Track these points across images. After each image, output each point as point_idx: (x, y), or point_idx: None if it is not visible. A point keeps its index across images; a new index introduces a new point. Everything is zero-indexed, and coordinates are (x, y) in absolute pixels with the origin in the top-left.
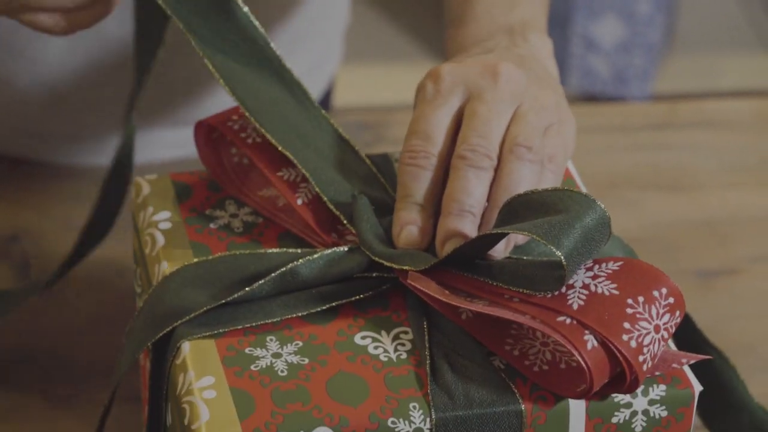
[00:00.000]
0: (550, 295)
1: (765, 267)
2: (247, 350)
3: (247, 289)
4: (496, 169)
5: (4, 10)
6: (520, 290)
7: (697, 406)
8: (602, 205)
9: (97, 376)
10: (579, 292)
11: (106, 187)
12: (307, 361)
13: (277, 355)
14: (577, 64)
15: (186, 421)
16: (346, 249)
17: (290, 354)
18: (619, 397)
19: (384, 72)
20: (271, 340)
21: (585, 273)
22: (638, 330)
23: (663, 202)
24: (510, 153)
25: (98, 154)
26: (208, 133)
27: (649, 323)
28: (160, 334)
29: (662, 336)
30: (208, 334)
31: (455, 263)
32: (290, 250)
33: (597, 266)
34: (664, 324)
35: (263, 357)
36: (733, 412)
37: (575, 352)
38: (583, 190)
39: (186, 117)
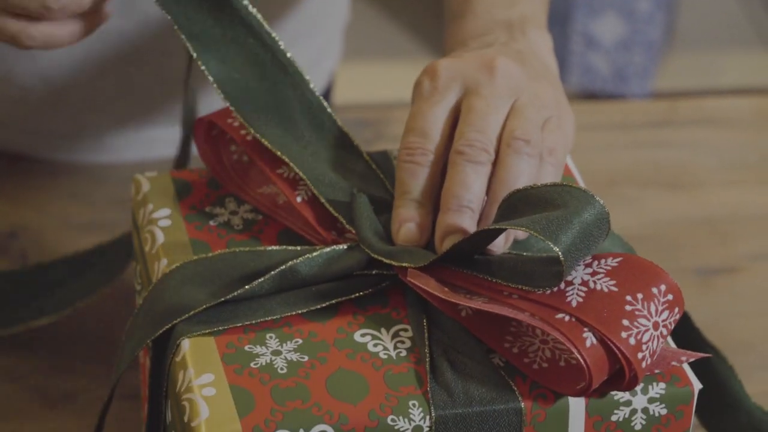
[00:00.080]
0: (548, 292)
1: (765, 265)
2: (246, 348)
3: (246, 286)
4: (495, 164)
5: None
6: (519, 287)
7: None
8: (601, 201)
9: (97, 374)
10: (578, 289)
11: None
12: (306, 358)
13: (276, 353)
14: (578, 61)
15: (186, 419)
16: (345, 247)
17: (290, 351)
18: (619, 395)
19: (384, 69)
20: (271, 337)
21: (584, 270)
22: (637, 327)
23: (663, 199)
24: (508, 147)
25: (97, 152)
26: (208, 130)
27: (648, 320)
28: (160, 332)
29: (661, 333)
30: (207, 331)
31: (454, 259)
32: (290, 248)
33: (596, 263)
34: (663, 321)
35: (263, 354)
36: (730, 411)
37: (574, 350)
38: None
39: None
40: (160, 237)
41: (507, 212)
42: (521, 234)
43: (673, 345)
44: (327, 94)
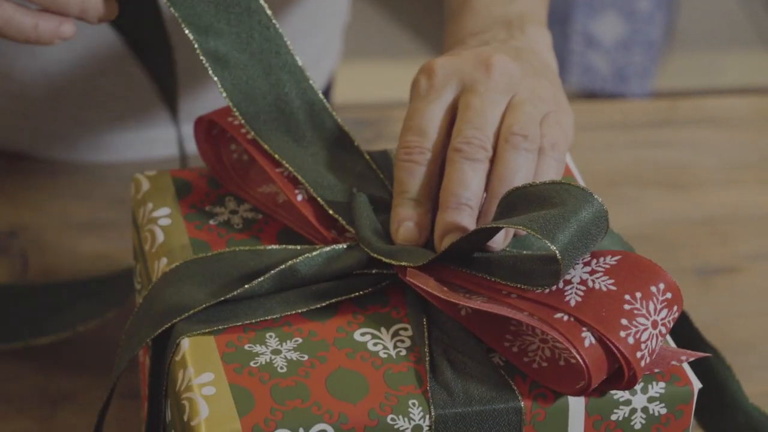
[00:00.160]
0: (547, 291)
1: (765, 265)
2: (246, 347)
3: (246, 285)
4: (493, 160)
5: None
6: (518, 286)
7: None
8: (599, 199)
9: (97, 373)
10: (576, 288)
11: None
12: (306, 357)
13: (276, 352)
14: (578, 61)
15: (185, 418)
16: (345, 246)
17: (290, 351)
18: (619, 394)
19: (384, 69)
20: (271, 336)
21: (583, 268)
22: (636, 326)
23: (663, 199)
24: (506, 142)
25: (97, 151)
26: (208, 130)
27: (647, 319)
28: (160, 331)
29: (660, 331)
30: (207, 330)
31: (453, 258)
32: (290, 247)
33: (594, 261)
34: (662, 319)
35: (263, 353)
36: (728, 411)
37: (573, 350)
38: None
39: (185, 113)
40: (160, 236)
41: (506, 210)
42: (521, 230)
43: (673, 345)
44: (327, 94)
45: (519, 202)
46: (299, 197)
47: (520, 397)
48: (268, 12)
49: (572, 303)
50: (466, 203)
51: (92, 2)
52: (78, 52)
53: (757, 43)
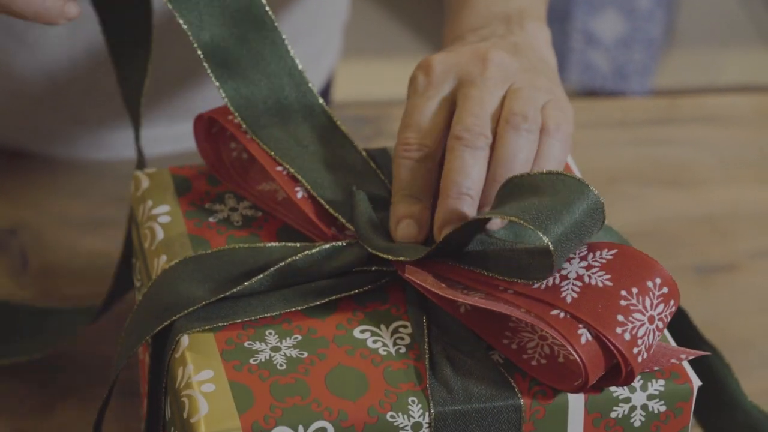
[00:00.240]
0: (543, 286)
1: (765, 263)
2: (246, 344)
3: (246, 283)
4: (493, 145)
5: None
6: (515, 281)
7: None
8: (595, 191)
9: (96, 370)
10: (573, 284)
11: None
12: (306, 354)
13: (276, 349)
14: (577, 59)
15: (185, 415)
16: (344, 243)
17: (289, 348)
18: (618, 392)
19: (383, 66)
20: (270, 333)
21: (579, 263)
22: (632, 322)
23: (663, 197)
24: (506, 123)
25: (96, 149)
26: (208, 127)
27: (643, 314)
28: (159, 328)
29: (657, 326)
30: (207, 327)
31: (450, 251)
32: (289, 244)
33: (591, 255)
34: (659, 314)
35: (262, 351)
36: (727, 409)
37: (569, 347)
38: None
39: (184, 111)
40: (160, 233)
41: (506, 198)
42: (514, 220)
43: (672, 343)
44: (327, 92)
45: (516, 191)
46: (299, 194)
47: (519, 395)
48: (270, 14)
49: (568, 299)
50: (466, 192)
51: None
52: (77, 50)
53: (757, 41)
